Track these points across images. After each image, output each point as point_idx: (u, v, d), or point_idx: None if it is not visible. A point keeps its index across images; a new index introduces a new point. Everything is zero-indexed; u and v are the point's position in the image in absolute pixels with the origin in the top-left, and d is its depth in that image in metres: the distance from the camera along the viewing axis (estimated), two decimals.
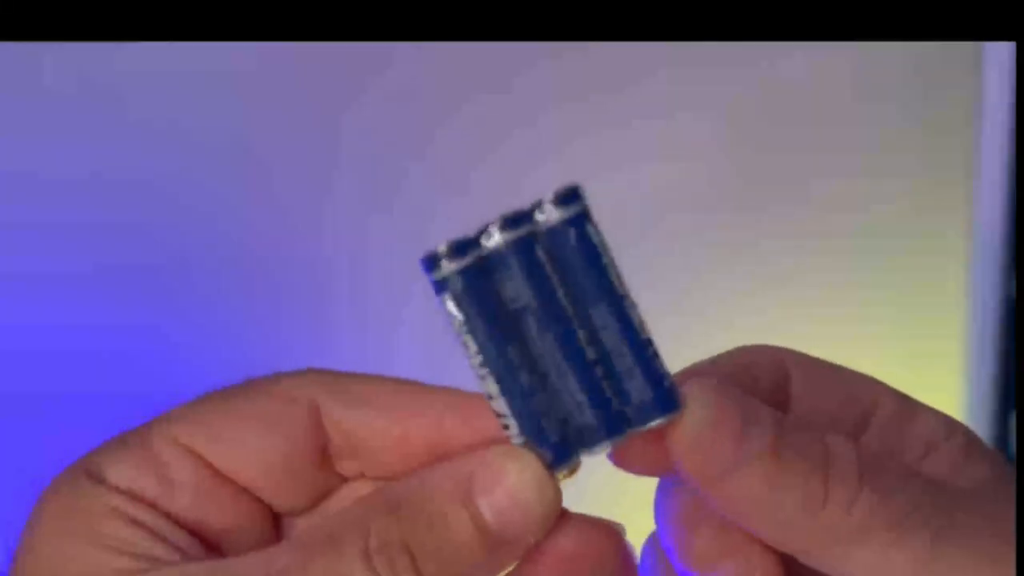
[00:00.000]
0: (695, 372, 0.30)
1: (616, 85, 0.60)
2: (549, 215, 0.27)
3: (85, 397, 0.51)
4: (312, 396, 0.29)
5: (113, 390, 0.49)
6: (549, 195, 0.27)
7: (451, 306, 0.27)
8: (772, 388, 0.31)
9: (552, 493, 0.27)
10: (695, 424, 0.26)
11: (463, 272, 0.27)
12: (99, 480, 0.28)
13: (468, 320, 0.27)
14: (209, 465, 0.29)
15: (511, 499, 0.27)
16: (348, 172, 0.58)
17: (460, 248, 0.27)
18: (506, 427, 0.27)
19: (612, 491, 0.31)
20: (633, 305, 0.27)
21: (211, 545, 0.29)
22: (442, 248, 0.27)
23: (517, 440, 0.27)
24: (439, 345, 0.52)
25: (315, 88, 0.56)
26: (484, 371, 0.27)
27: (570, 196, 0.27)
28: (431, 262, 0.27)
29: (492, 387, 0.27)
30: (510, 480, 0.27)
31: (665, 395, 0.27)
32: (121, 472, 0.28)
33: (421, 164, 0.58)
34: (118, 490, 0.28)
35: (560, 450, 0.27)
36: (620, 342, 0.27)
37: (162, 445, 0.29)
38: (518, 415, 0.27)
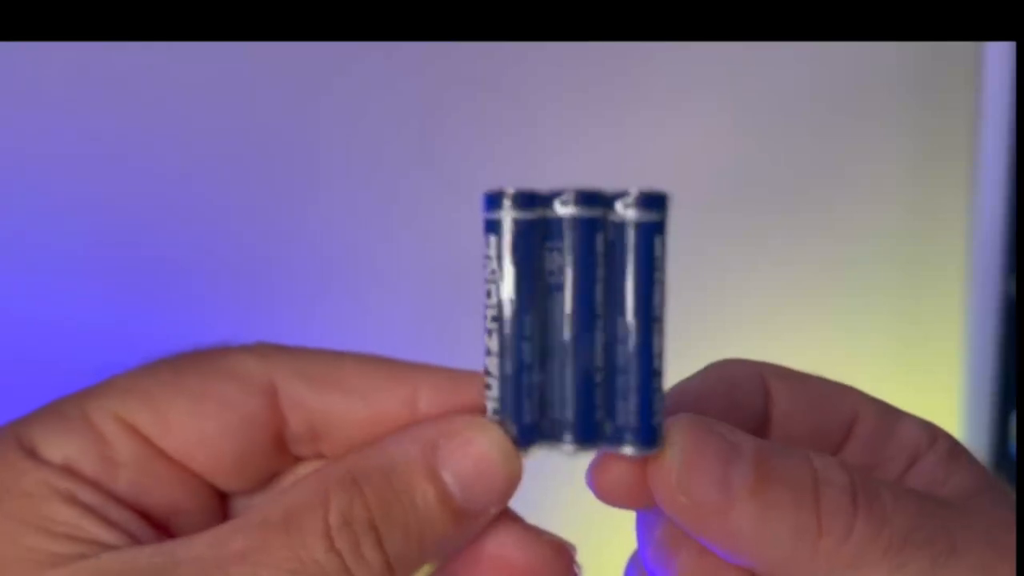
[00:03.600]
0: (681, 392, 0.29)
1: (616, 85, 0.60)
2: (628, 210, 0.26)
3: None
4: (270, 377, 0.27)
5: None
6: (635, 190, 0.26)
7: (492, 249, 0.26)
8: (754, 406, 0.30)
9: (517, 466, 0.26)
10: (673, 467, 0.26)
11: (520, 222, 0.26)
12: (31, 453, 0.26)
13: (502, 268, 0.26)
14: (153, 445, 0.27)
15: (477, 470, 0.26)
16: (346, 171, 0.58)
17: (527, 200, 0.26)
18: (488, 387, 0.26)
19: (596, 509, 0.31)
20: (661, 332, 0.26)
21: (157, 525, 0.27)
22: (509, 191, 0.26)
23: (493, 404, 0.26)
24: (436, 341, 0.52)
25: (315, 88, 0.56)
26: (494, 326, 0.26)
27: (656, 201, 0.26)
28: (493, 200, 0.26)
29: (494, 344, 0.26)
30: (477, 451, 0.26)
31: (649, 430, 0.26)
32: (58, 446, 0.26)
33: (420, 163, 0.58)
34: (55, 466, 0.25)
35: (527, 432, 0.26)
36: (632, 361, 0.26)
37: (103, 420, 0.26)
38: (504, 381, 0.26)
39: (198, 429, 0.26)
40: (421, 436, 0.26)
